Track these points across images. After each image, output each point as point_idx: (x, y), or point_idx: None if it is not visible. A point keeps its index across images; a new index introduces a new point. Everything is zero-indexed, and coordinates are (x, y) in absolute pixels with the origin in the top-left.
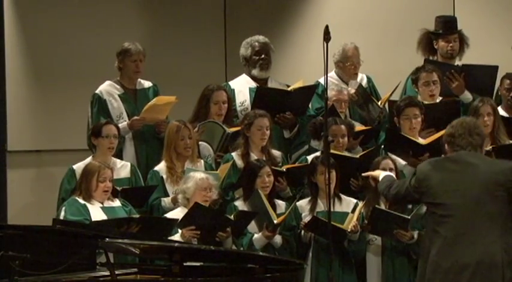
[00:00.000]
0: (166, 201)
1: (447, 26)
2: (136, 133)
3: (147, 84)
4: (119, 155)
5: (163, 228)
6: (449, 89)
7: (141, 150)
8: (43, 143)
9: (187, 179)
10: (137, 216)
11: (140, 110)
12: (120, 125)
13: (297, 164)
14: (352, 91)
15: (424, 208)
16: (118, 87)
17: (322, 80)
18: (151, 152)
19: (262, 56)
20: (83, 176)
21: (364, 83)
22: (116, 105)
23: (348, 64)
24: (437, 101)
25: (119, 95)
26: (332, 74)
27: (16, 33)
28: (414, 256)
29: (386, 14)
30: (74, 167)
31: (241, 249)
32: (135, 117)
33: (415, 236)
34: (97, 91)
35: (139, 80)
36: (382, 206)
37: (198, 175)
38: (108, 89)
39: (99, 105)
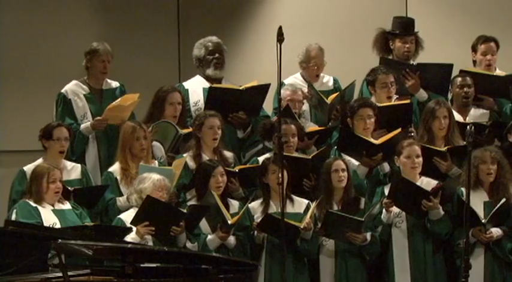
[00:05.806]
0: (121, 200)
1: (405, 27)
2: (98, 134)
3: (114, 84)
4: (81, 155)
5: (117, 236)
6: (404, 88)
7: (103, 151)
8: None
9: (144, 179)
10: (92, 224)
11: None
12: (83, 125)
13: (248, 165)
14: (305, 90)
15: (376, 209)
16: (84, 86)
17: (286, 81)
18: (113, 153)
19: (216, 55)
20: (32, 178)
21: (331, 84)
22: (81, 105)
23: (310, 65)
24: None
25: (85, 95)
26: (297, 75)
27: None
28: (368, 257)
29: (339, 15)
30: (25, 168)
31: (191, 247)
32: (98, 118)
33: (368, 237)
34: (62, 90)
35: (106, 79)
36: (335, 208)
37: (154, 176)
38: (73, 88)
39: (64, 104)
